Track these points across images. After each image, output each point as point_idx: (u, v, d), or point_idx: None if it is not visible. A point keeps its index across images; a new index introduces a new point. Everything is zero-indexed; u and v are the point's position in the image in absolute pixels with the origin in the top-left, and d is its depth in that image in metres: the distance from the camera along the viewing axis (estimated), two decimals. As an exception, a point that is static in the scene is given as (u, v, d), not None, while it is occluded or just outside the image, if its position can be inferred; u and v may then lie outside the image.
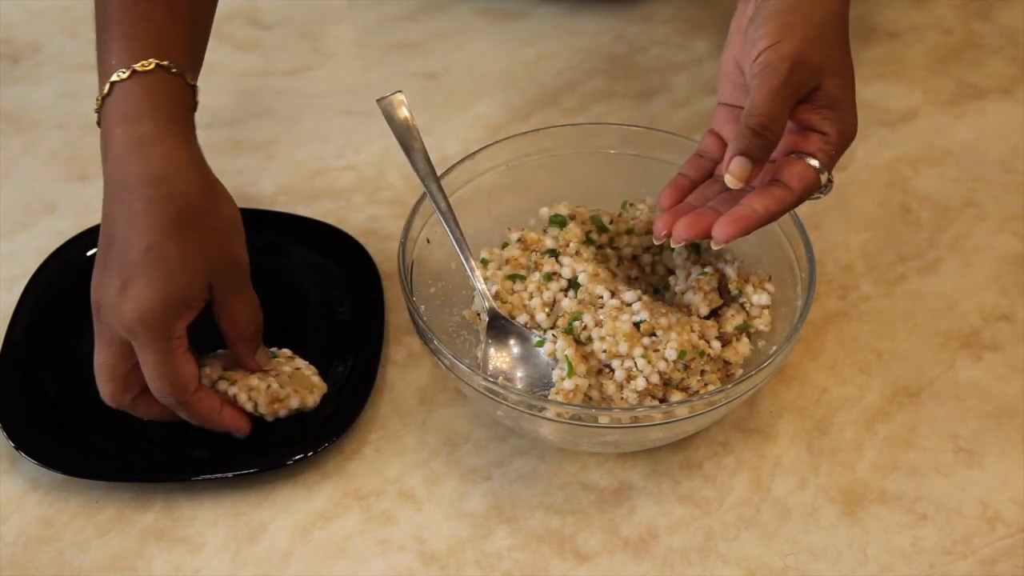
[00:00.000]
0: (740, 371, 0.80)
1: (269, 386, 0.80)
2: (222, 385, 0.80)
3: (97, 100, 0.76)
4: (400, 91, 0.81)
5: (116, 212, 0.74)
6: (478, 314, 0.82)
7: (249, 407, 0.80)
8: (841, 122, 0.74)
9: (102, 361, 0.76)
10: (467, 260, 0.80)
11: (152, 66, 0.75)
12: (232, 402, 0.79)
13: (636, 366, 0.75)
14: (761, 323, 0.80)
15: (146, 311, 0.73)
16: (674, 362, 0.76)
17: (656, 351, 0.76)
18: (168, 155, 0.75)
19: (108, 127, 0.75)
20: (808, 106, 0.74)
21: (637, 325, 0.77)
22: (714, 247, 0.72)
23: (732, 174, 0.71)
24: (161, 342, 0.74)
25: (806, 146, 0.73)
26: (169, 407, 0.77)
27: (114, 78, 0.75)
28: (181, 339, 0.75)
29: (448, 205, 0.80)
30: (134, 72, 0.75)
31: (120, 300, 0.73)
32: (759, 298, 0.80)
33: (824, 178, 0.74)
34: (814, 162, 0.73)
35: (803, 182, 0.73)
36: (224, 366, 0.80)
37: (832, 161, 0.74)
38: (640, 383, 0.75)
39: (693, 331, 0.77)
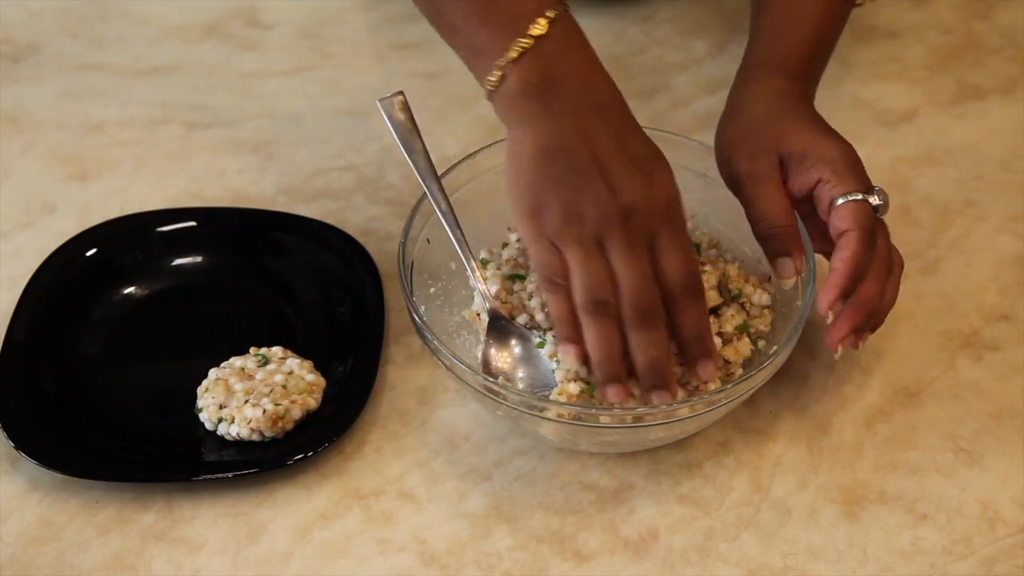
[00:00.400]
0: (740, 371, 0.80)
1: (264, 411, 0.79)
2: (222, 427, 0.80)
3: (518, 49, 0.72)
4: (401, 92, 0.81)
5: (594, 129, 0.71)
6: (478, 314, 0.82)
7: (256, 438, 0.80)
8: (823, 159, 0.77)
9: (640, 266, 0.72)
10: (468, 260, 0.80)
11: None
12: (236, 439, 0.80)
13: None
14: (761, 323, 0.80)
15: (674, 193, 0.72)
16: (676, 355, 0.76)
17: None
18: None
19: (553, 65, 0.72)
20: (789, 180, 0.78)
21: None
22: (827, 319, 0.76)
23: (782, 276, 0.78)
24: (684, 223, 0.74)
25: (824, 199, 0.77)
26: (686, 302, 0.73)
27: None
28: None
29: (448, 205, 0.80)
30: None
31: (651, 191, 0.71)
32: (759, 298, 0.80)
33: (871, 199, 0.76)
34: (841, 200, 0.76)
35: (850, 217, 0.76)
36: (221, 404, 0.80)
37: (854, 184, 0.76)
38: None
39: None
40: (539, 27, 0.71)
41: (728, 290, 0.81)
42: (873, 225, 0.76)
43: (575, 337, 0.73)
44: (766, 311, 0.80)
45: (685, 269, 0.72)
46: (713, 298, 0.80)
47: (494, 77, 0.72)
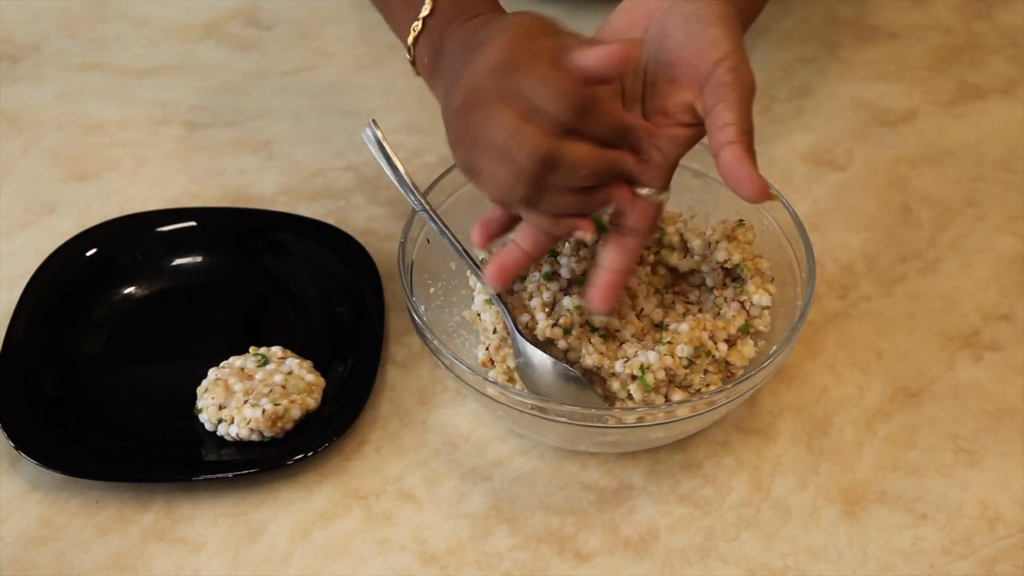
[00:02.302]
0: (741, 371, 0.80)
1: (264, 411, 0.80)
2: (222, 428, 0.80)
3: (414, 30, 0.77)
4: (374, 119, 0.81)
5: (479, 83, 0.68)
6: (478, 314, 0.82)
7: (255, 438, 0.80)
8: (682, 143, 0.73)
9: (511, 122, 0.67)
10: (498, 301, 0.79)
11: None
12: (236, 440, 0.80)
13: (648, 359, 0.76)
14: (761, 323, 0.80)
15: (506, 42, 0.68)
16: (680, 359, 0.76)
17: (669, 343, 0.76)
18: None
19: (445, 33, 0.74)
20: (662, 116, 0.73)
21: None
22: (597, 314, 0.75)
23: (758, 194, 0.69)
24: (532, 55, 0.67)
25: (642, 173, 0.71)
26: (583, 119, 0.68)
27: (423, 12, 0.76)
28: (547, 50, 0.68)
29: (462, 248, 0.80)
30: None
31: (480, 58, 0.68)
32: (760, 299, 0.80)
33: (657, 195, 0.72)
34: (647, 191, 0.71)
35: (646, 223, 0.72)
36: (220, 404, 0.80)
37: (664, 184, 0.72)
38: (649, 379, 0.75)
39: (704, 329, 0.77)
40: (426, 7, 0.76)
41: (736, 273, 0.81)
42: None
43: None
44: (766, 312, 0.80)
45: (557, 88, 0.66)
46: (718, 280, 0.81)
47: (409, 62, 0.79)
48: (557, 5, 1.12)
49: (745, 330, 0.79)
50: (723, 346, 0.78)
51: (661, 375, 0.76)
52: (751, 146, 0.70)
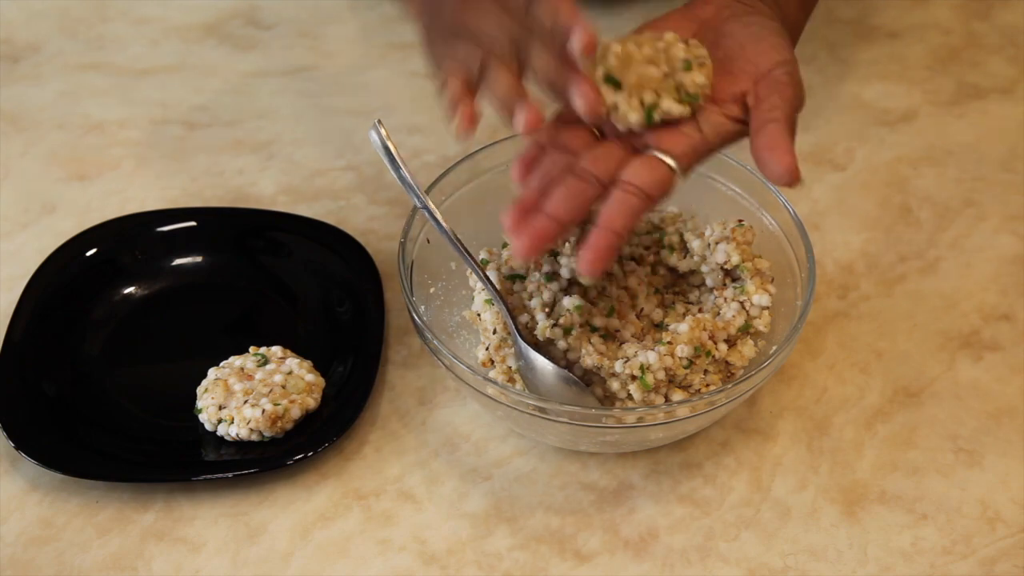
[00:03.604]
0: (741, 371, 0.80)
1: (264, 411, 0.80)
2: (222, 428, 0.80)
3: None
4: (379, 119, 0.80)
5: None
6: (478, 314, 0.82)
7: (255, 438, 0.80)
8: (719, 134, 0.73)
9: (495, 19, 0.70)
10: (500, 303, 0.79)
11: None
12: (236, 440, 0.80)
13: (647, 360, 0.76)
14: (761, 324, 0.80)
15: None
16: (680, 359, 0.76)
17: (669, 343, 0.76)
18: None
19: None
20: (714, 104, 0.73)
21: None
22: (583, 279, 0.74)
23: (791, 174, 0.70)
24: None
25: (673, 144, 0.71)
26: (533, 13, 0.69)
27: None
28: None
29: (470, 257, 0.79)
30: None
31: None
32: (760, 299, 0.80)
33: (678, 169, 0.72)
34: (673, 163, 0.71)
35: (659, 190, 0.70)
36: (220, 404, 0.80)
37: (689, 167, 0.72)
38: (649, 379, 0.75)
39: (704, 330, 0.77)
40: None
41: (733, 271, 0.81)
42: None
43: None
44: (766, 312, 0.80)
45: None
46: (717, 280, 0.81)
47: None
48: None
49: (745, 330, 0.79)
50: (723, 346, 0.78)
51: (661, 375, 0.76)
52: (794, 132, 0.71)
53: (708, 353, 0.77)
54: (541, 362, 0.77)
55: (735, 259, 0.80)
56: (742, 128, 0.72)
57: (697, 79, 0.72)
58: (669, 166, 0.70)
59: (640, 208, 0.69)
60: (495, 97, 0.71)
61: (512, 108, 0.70)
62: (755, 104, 0.71)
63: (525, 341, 0.78)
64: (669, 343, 0.77)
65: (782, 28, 0.75)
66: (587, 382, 0.78)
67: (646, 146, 0.71)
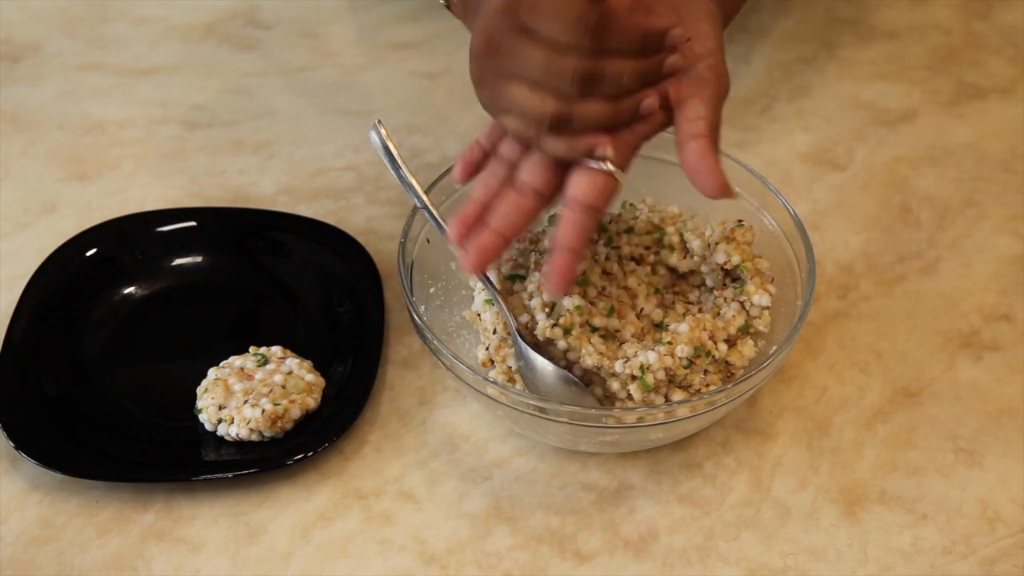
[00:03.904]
0: (741, 371, 0.80)
1: (263, 411, 0.80)
2: (222, 428, 0.80)
3: None
4: (379, 119, 0.80)
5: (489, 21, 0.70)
6: (478, 314, 0.82)
7: (255, 438, 0.80)
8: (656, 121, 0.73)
9: (542, 57, 0.68)
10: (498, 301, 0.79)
11: None
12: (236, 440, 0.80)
13: (647, 360, 0.76)
14: (761, 324, 0.80)
15: None
16: (680, 359, 0.76)
17: (669, 343, 0.76)
18: None
19: None
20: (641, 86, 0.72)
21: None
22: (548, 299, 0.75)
23: (721, 191, 0.70)
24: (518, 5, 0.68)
25: (604, 143, 0.72)
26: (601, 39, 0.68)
27: None
28: None
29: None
30: None
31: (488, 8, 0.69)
32: (760, 299, 0.80)
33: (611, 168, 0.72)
34: (609, 166, 0.72)
35: (602, 198, 0.72)
36: (220, 404, 0.80)
37: (626, 161, 0.73)
38: (649, 379, 0.75)
39: (704, 330, 0.77)
40: None
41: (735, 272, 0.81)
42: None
43: None
44: (766, 312, 0.80)
45: (565, 18, 0.67)
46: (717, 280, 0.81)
47: (443, 4, 0.77)
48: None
49: (745, 330, 0.79)
50: (723, 346, 0.78)
51: (661, 375, 0.76)
52: (717, 143, 0.71)
53: (708, 353, 0.77)
54: (541, 363, 0.77)
55: (735, 259, 0.80)
56: (669, 116, 0.73)
57: None
58: (607, 172, 0.71)
59: (590, 223, 0.72)
60: (595, 125, 0.71)
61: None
62: (677, 105, 0.72)
63: (525, 341, 0.78)
64: (669, 343, 0.77)
65: (712, 9, 0.74)
66: (587, 382, 0.78)
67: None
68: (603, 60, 0.69)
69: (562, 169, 0.72)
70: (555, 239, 0.72)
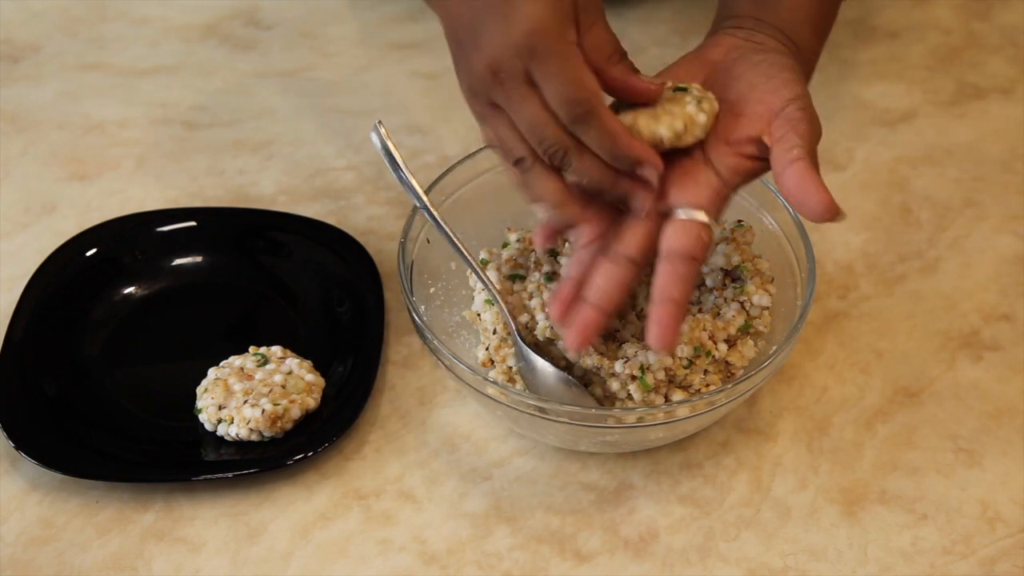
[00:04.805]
0: (741, 371, 0.80)
1: (263, 411, 0.80)
2: (222, 428, 0.80)
3: None
4: (379, 120, 0.79)
5: None
6: (479, 315, 0.82)
7: (255, 438, 0.80)
8: (742, 172, 0.73)
9: (524, 116, 0.68)
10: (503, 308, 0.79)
11: None
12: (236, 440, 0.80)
13: (647, 360, 0.76)
14: (761, 324, 0.80)
15: (535, 22, 0.66)
16: (680, 359, 0.76)
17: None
18: None
19: None
20: (732, 144, 0.73)
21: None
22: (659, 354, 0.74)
23: (829, 210, 0.69)
24: (559, 45, 0.67)
25: (696, 196, 0.72)
26: (580, 129, 0.69)
27: None
28: (575, 44, 0.68)
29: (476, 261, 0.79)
30: None
31: (508, 35, 0.67)
32: (760, 299, 0.80)
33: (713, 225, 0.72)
34: (704, 218, 0.71)
35: (701, 248, 0.71)
36: (220, 404, 0.80)
37: (719, 213, 0.73)
38: (649, 380, 0.75)
39: (704, 330, 0.78)
40: None
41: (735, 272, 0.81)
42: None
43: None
44: (766, 312, 0.80)
45: (563, 95, 0.67)
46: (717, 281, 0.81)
47: None
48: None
49: (745, 330, 0.79)
50: (723, 346, 0.78)
51: (661, 375, 0.76)
52: (817, 166, 0.70)
53: (708, 353, 0.77)
54: (541, 363, 0.77)
55: (735, 259, 0.80)
56: (760, 164, 0.72)
57: (706, 106, 0.72)
58: (701, 222, 0.71)
59: (691, 273, 0.70)
60: (540, 199, 0.71)
61: (562, 215, 0.71)
62: (773, 143, 0.71)
63: (525, 342, 0.78)
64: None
65: (793, 63, 0.74)
66: (586, 382, 0.78)
67: (670, 208, 0.71)
68: (579, 147, 0.69)
69: (655, 234, 0.71)
70: (655, 291, 0.70)
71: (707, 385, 0.78)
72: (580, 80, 0.68)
